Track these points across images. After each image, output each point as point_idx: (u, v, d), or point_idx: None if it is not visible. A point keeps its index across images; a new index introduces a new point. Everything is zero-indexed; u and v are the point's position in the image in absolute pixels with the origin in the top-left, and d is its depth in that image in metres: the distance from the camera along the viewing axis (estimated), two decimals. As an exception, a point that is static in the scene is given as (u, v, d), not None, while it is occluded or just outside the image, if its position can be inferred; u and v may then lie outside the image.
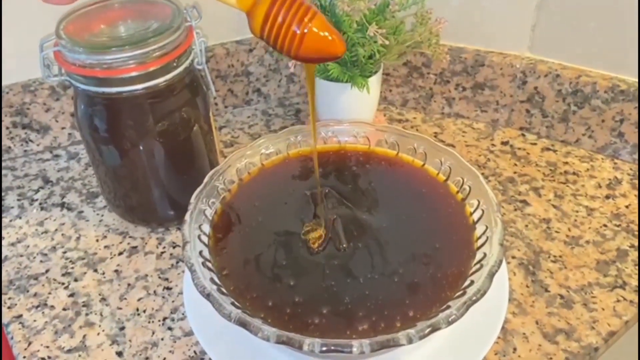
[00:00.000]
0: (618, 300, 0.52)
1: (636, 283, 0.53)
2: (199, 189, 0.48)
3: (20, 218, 0.63)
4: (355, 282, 0.44)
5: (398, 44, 0.61)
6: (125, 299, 0.54)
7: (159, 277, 0.55)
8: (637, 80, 0.64)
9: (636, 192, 0.63)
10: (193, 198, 0.47)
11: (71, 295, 0.54)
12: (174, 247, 0.58)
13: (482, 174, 0.57)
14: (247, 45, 0.75)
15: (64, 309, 0.53)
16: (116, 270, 0.56)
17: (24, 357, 0.49)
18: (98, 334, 0.50)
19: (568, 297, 0.52)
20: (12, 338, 0.51)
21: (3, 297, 0.54)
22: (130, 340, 0.50)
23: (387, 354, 0.44)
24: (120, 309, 0.53)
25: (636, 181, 0.65)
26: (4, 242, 0.60)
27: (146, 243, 0.59)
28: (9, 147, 0.70)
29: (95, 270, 0.56)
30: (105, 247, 0.59)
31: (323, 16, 0.34)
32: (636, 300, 0.52)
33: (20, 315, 0.52)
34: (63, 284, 0.55)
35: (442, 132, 0.74)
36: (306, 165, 0.55)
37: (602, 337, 0.49)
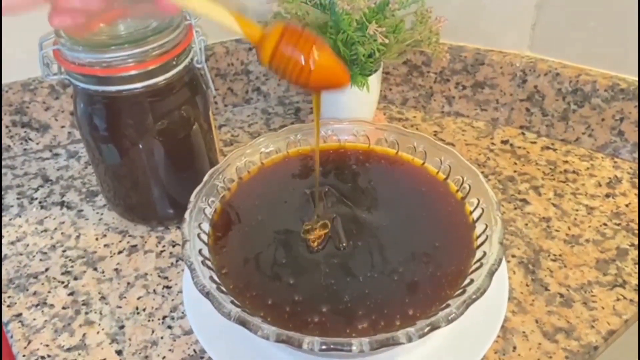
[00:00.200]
0: (618, 299, 0.52)
1: (636, 282, 0.53)
2: (198, 188, 0.48)
3: (19, 217, 0.63)
4: (354, 280, 0.44)
5: (398, 43, 0.61)
6: (125, 297, 0.54)
7: (159, 276, 0.55)
8: (637, 79, 0.64)
9: (636, 191, 0.63)
10: (193, 197, 0.47)
11: (71, 293, 0.54)
12: (173, 246, 0.58)
13: (482, 172, 0.57)
14: (247, 43, 0.75)
15: (64, 308, 0.53)
16: (116, 269, 0.56)
17: (24, 355, 0.49)
18: (98, 332, 0.50)
19: (568, 295, 0.52)
20: (11, 337, 0.51)
21: (3, 295, 0.54)
22: (129, 339, 0.50)
23: (387, 353, 0.44)
24: (120, 307, 0.53)
25: (636, 180, 0.65)
26: (3, 241, 0.60)
27: (146, 242, 0.59)
28: (9, 146, 0.70)
29: (95, 269, 0.56)
30: (105, 245, 0.59)
31: (330, 48, 0.36)
32: (636, 299, 0.52)
33: (20, 314, 0.52)
34: (63, 282, 0.55)
35: (442, 130, 0.74)
36: (306, 164, 0.55)
37: (601, 336, 0.49)
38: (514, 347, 0.48)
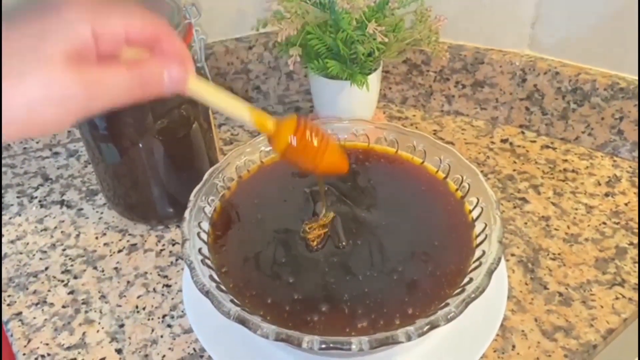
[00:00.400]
0: (617, 298, 0.52)
1: (635, 280, 0.53)
2: (198, 187, 0.48)
3: (19, 215, 0.63)
4: (354, 279, 0.44)
5: (397, 42, 0.61)
6: (125, 296, 0.54)
7: (159, 275, 0.56)
8: (636, 78, 0.64)
9: (635, 190, 0.63)
10: (192, 196, 0.47)
11: (71, 292, 0.54)
12: (173, 245, 0.59)
13: (482, 171, 0.57)
14: (247, 42, 0.75)
15: (64, 307, 0.53)
16: (115, 268, 0.56)
17: (24, 354, 0.49)
18: (97, 331, 0.51)
19: (567, 294, 0.52)
20: (11, 335, 0.51)
21: (3, 294, 0.54)
22: (129, 338, 0.50)
23: (386, 352, 0.44)
24: (120, 306, 0.53)
25: (635, 179, 0.65)
26: (3, 240, 0.60)
27: (145, 240, 0.59)
28: (8, 145, 0.70)
29: (95, 268, 0.56)
30: (105, 244, 0.59)
31: (335, 142, 0.41)
32: (635, 297, 0.52)
33: (20, 313, 0.52)
34: (62, 281, 0.55)
35: (441, 129, 0.74)
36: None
37: (600, 335, 0.49)
38: (513, 346, 0.48)
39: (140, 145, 0.54)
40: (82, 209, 0.63)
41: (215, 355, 0.45)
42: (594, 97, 0.66)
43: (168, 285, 0.54)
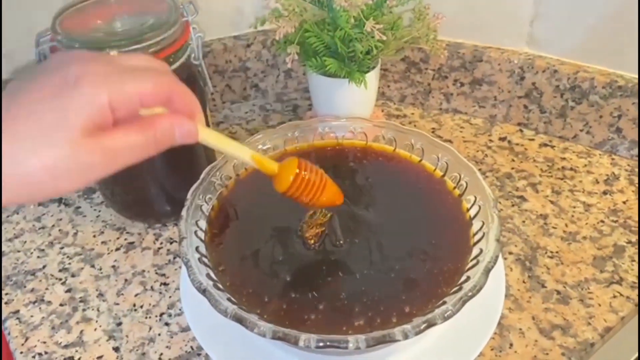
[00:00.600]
0: (614, 296, 0.52)
1: (633, 279, 0.53)
2: (195, 185, 0.48)
3: (17, 214, 0.63)
4: (351, 277, 0.44)
5: (396, 40, 0.61)
6: (122, 294, 0.54)
7: (156, 273, 0.55)
8: (635, 76, 0.64)
9: (633, 188, 0.63)
10: (190, 194, 0.47)
11: (68, 290, 0.54)
12: (171, 243, 0.58)
13: (480, 169, 0.57)
14: (245, 40, 0.75)
15: (61, 305, 0.53)
16: (113, 266, 0.56)
17: (21, 352, 0.49)
18: (95, 329, 0.51)
19: (565, 292, 0.52)
20: (9, 333, 0.51)
21: (0, 292, 0.54)
22: (127, 336, 0.50)
23: (383, 350, 0.44)
24: (117, 304, 0.53)
25: (634, 177, 0.65)
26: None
27: (143, 239, 0.59)
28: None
29: (92, 266, 0.56)
30: (102, 242, 0.59)
31: (332, 182, 0.44)
32: (633, 296, 0.52)
33: (18, 311, 0.52)
34: (60, 279, 0.55)
35: (439, 127, 0.74)
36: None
37: (598, 333, 0.49)
38: (511, 344, 0.48)
39: (138, 143, 0.54)
40: (79, 207, 0.63)
41: (213, 353, 0.45)
42: (592, 95, 0.66)
43: (165, 284, 0.54)
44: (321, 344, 0.36)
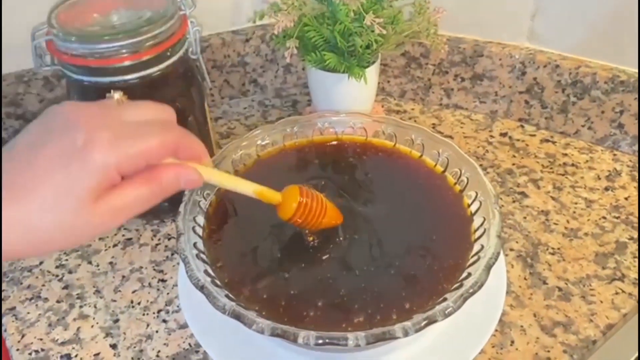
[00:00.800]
0: (617, 293, 0.51)
1: (635, 275, 0.53)
2: (193, 180, 0.47)
3: (14, 210, 0.62)
4: (351, 274, 0.43)
5: (396, 34, 0.60)
6: (120, 291, 0.53)
7: (154, 269, 0.55)
8: (637, 71, 0.64)
9: (635, 184, 0.63)
10: (187, 189, 0.46)
11: (65, 287, 0.54)
12: (169, 239, 0.58)
13: (481, 165, 0.57)
14: (243, 35, 0.74)
15: (58, 301, 0.52)
16: (110, 262, 0.56)
17: (17, 349, 0.48)
18: (92, 326, 0.50)
19: (566, 289, 0.52)
20: (5, 330, 0.50)
21: (-4, 289, 0.54)
22: (124, 333, 0.49)
23: (383, 347, 0.44)
24: (115, 301, 0.52)
25: (636, 173, 0.64)
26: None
27: (141, 235, 0.59)
28: (3, 138, 0.69)
29: (90, 262, 0.56)
30: (100, 239, 0.58)
31: (331, 205, 0.45)
32: (635, 292, 0.51)
33: (14, 308, 0.52)
34: (57, 276, 0.55)
35: (440, 123, 0.73)
36: (302, 156, 0.54)
37: (600, 330, 0.48)
38: (512, 341, 0.48)
39: (135, 138, 0.53)
40: (77, 203, 0.63)
41: (211, 350, 0.44)
42: (594, 91, 0.66)
43: (163, 280, 0.54)
44: (320, 341, 0.36)
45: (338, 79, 0.61)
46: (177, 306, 0.51)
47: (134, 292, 0.53)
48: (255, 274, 0.44)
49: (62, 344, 0.49)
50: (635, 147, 0.66)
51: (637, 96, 0.63)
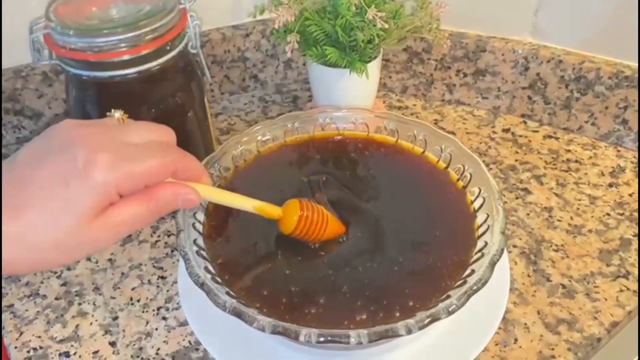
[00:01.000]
0: (621, 290, 0.51)
1: (639, 272, 0.52)
2: (193, 176, 0.47)
3: (12, 206, 0.62)
4: (353, 271, 0.43)
5: (398, 29, 0.60)
6: (119, 288, 0.53)
7: (154, 266, 0.54)
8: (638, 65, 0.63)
9: (640, 181, 0.62)
10: (187, 185, 0.46)
11: (64, 284, 0.53)
12: (168, 236, 0.57)
13: (483, 161, 0.56)
14: (244, 30, 0.73)
15: (56, 299, 0.52)
16: (110, 259, 0.55)
17: (15, 347, 0.48)
18: (91, 323, 0.50)
19: (570, 286, 0.51)
20: (3, 328, 0.50)
21: (-6, 286, 0.53)
22: (123, 330, 0.49)
23: (386, 345, 0.43)
24: (114, 298, 0.52)
25: (640, 169, 0.64)
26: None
27: (140, 231, 0.58)
28: (1, 134, 0.69)
29: (89, 259, 0.55)
30: (99, 235, 0.58)
31: (332, 216, 0.45)
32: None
33: (12, 305, 0.51)
34: (55, 272, 0.54)
35: (442, 119, 0.73)
36: (303, 152, 0.54)
37: (604, 328, 0.48)
38: (515, 339, 0.47)
39: (134, 134, 0.52)
40: (76, 200, 0.62)
41: (211, 348, 0.44)
42: (598, 86, 0.65)
43: (163, 277, 0.53)
44: (322, 339, 0.35)
45: (339, 74, 0.60)
46: (177, 303, 0.51)
47: (133, 289, 0.52)
48: (256, 270, 0.43)
49: (61, 341, 0.48)
50: (639, 143, 0.66)
51: (641, 92, 0.62)
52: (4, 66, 0.65)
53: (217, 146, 0.53)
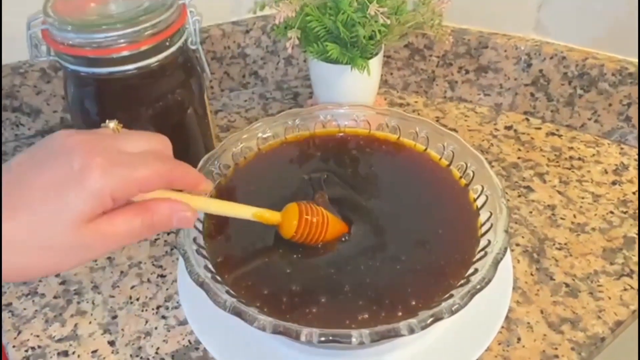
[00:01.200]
0: (625, 289, 0.50)
1: (643, 271, 0.52)
2: (193, 174, 0.46)
3: (10, 204, 0.61)
4: (355, 269, 0.42)
5: (399, 25, 0.59)
6: (118, 286, 0.52)
7: (153, 265, 0.54)
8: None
9: (643, 178, 0.62)
10: (187, 183, 0.45)
11: (62, 282, 0.53)
12: (168, 234, 0.57)
13: (485, 159, 0.55)
14: (244, 26, 0.73)
15: (55, 297, 0.51)
16: (109, 258, 0.55)
17: (14, 346, 0.47)
18: (90, 322, 0.49)
19: (573, 285, 0.51)
20: (1, 327, 0.49)
21: (-8, 284, 0.53)
22: (122, 330, 0.48)
23: (388, 344, 0.43)
24: (113, 297, 0.51)
25: (643, 167, 0.63)
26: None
27: (140, 229, 0.58)
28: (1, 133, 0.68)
29: (88, 257, 0.55)
30: (98, 233, 0.57)
31: (333, 217, 0.44)
32: (643, 288, 0.50)
33: (10, 304, 0.51)
34: (54, 271, 0.54)
35: (444, 116, 0.72)
36: (304, 149, 0.53)
37: (608, 327, 0.47)
38: (519, 339, 0.47)
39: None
40: (74, 197, 0.62)
41: (211, 347, 0.43)
42: (601, 83, 0.64)
43: (163, 276, 0.53)
44: (323, 339, 0.35)
45: (340, 71, 0.60)
46: (177, 302, 0.50)
47: (132, 287, 0.52)
48: (257, 269, 0.43)
49: (59, 340, 0.48)
50: (643, 141, 0.65)
51: (645, 88, 0.62)
52: (2, 63, 0.65)
53: (217, 143, 0.53)
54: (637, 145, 0.66)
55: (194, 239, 0.42)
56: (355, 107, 0.54)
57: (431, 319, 0.36)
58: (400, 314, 0.38)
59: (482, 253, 0.41)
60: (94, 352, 0.47)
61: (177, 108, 0.53)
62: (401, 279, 0.41)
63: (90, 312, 0.50)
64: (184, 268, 0.40)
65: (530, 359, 0.45)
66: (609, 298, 0.50)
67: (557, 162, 0.64)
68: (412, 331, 0.35)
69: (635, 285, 0.51)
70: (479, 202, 0.46)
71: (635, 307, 0.49)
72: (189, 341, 0.47)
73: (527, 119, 0.71)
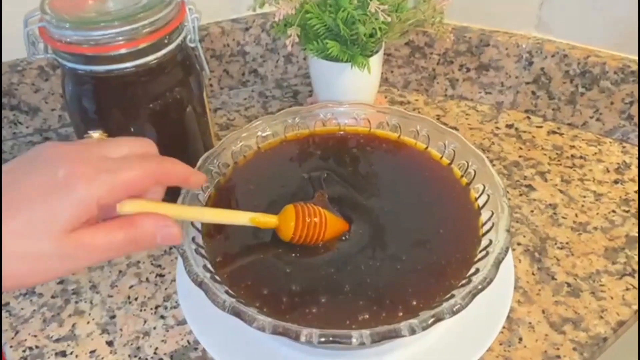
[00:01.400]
0: (627, 289, 0.50)
1: (646, 271, 0.51)
2: (191, 173, 0.46)
3: (8, 202, 0.61)
4: (355, 269, 0.42)
5: (400, 22, 0.59)
6: (117, 286, 0.52)
7: (152, 264, 0.54)
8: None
9: (645, 177, 0.62)
10: (186, 182, 0.45)
11: (60, 282, 0.52)
12: (167, 233, 0.56)
13: (486, 158, 0.55)
14: (243, 23, 0.72)
15: (53, 297, 0.51)
16: (107, 257, 0.54)
17: (11, 346, 0.47)
18: (88, 322, 0.49)
19: (575, 285, 0.50)
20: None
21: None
22: (121, 329, 0.48)
23: (388, 344, 0.42)
24: (111, 296, 0.51)
25: (645, 165, 0.63)
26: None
27: (138, 228, 0.57)
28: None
29: (86, 257, 0.54)
30: (96, 232, 0.57)
31: (332, 216, 0.44)
32: (646, 288, 0.50)
33: (8, 303, 0.50)
34: (52, 270, 0.53)
35: (444, 114, 0.72)
36: (304, 148, 0.53)
37: (611, 327, 0.47)
38: (520, 339, 0.46)
39: (132, 129, 0.52)
40: (73, 196, 0.61)
41: (210, 348, 0.43)
42: (603, 81, 0.64)
43: (161, 275, 0.53)
44: (323, 340, 0.35)
45: (341, 69, 0.59)
46: (176, 302, 0.50)
47: (131, 287, 0.52)
48: (256, 269, 0.42)
49: (57, 340, 0.47)
50: (645, 139, 0.65)
51: (647, 87, 0.61)
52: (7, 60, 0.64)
53: (216, 142, 0.52)
54: (638, 143, 0.65)
55: (193, 238, 0.42)
56: (356, 105, 0.54)
57: (432, 320, 0.35)
58: (401, 314, 0.38)
59: (483, 253, 0.41)
60: (92, 352, 0.46)
61: (176, 106, 0.53)
62: (402, 279, 0.41)
63: (89, 312, 0.50)
64: (182, 267, 0.40)
65: (531, 359, 0.45)
66: (611, 298, 0.49)
67: (559, 160, 0.64)
68: (413, 332, 0.35)
69: (637, 285, 0.50)
70: (480, 201, 0.45)
71: (637, 306, 0.48)
72: (187, 341, 0.47)
73: (529, 117, 0.71)
